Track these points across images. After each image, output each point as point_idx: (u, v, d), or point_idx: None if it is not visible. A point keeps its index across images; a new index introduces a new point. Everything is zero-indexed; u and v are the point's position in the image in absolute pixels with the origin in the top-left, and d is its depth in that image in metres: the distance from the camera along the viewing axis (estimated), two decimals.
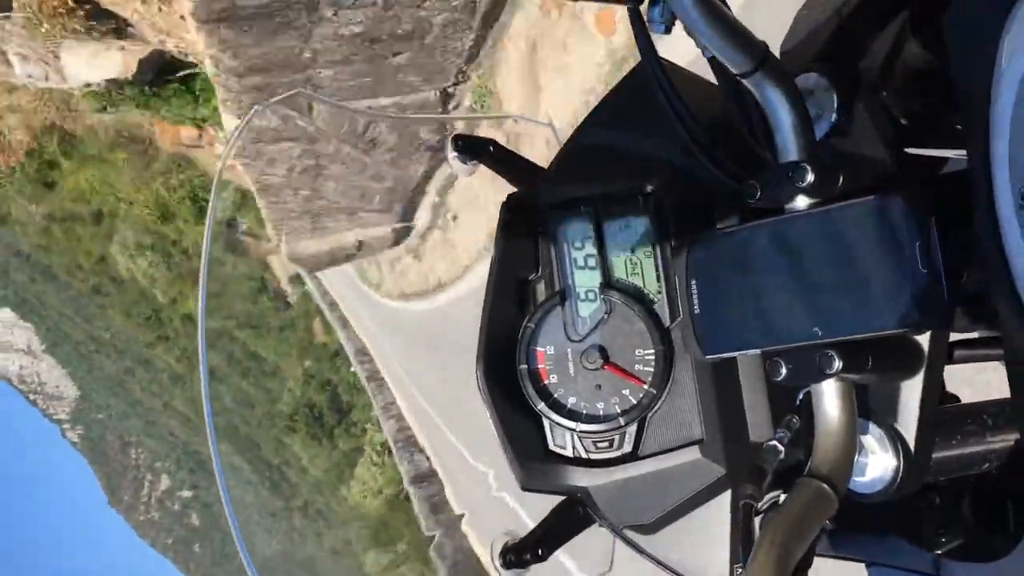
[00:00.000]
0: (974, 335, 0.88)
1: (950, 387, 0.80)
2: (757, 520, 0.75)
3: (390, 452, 20.73)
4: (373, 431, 23.22)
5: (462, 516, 16.66)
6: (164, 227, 24.55)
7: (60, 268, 34.91)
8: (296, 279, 25.15)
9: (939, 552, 0.77)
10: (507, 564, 0.81)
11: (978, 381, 1.11)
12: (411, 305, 14.12)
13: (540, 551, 0.82)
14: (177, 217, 23.55)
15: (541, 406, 0.85)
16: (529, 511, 8.29)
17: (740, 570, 0.75)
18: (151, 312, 33.42)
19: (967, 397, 0.85)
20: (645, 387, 0.82)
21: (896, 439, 0.71)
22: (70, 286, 37.54)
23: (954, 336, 0.85)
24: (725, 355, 0.75)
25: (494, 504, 11.58)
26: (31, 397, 70.89)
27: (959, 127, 0.69)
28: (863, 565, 0.82)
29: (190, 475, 60.39)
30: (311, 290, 23.31)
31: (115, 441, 68.23)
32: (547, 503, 0.87)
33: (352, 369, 22.61)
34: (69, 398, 69.15)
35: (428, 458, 18.61)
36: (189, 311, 29.14)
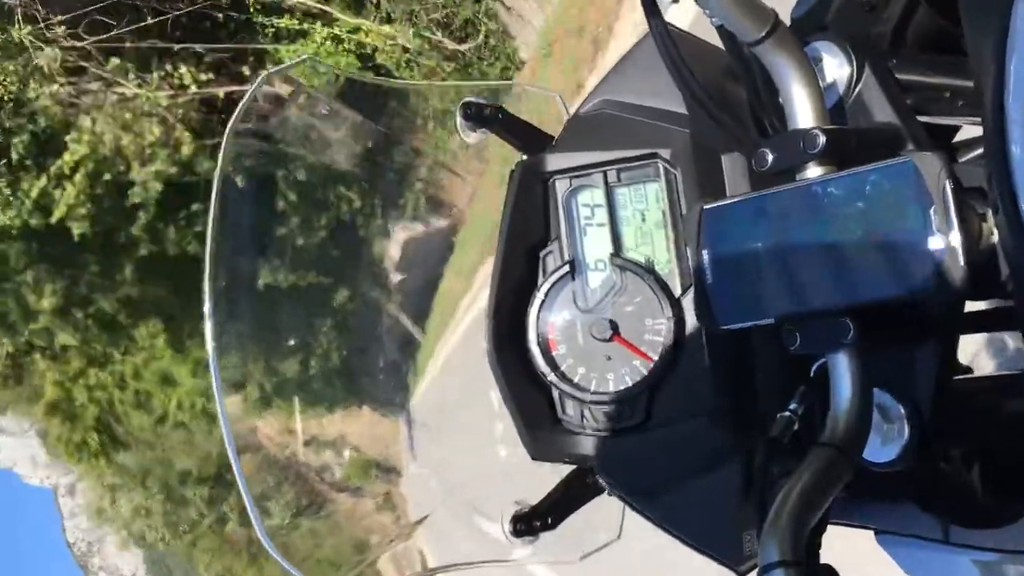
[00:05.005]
0: (988, 305, 0.88)
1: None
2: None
3: None
4: None
5: None
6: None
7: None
8: None
9: (949, 519, 0.76)
10: (517, 532, 0.83)
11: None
12: None
13: (550, 519, 0.84)
14: None
15: (551, 376, 0.87)
16: None
17: (751, 538, 0.76)
18: None
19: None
20: (655, 359, 0.83)
21: (910, 408, 0.71)
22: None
23: (968, 307, 0.85)
24: (739, 326, 0.74)
25: None
26: None
27: (971, 95, 0.68)
28: (872, 532, 0.81)
29: None
30: None
31: None
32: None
33: None
34: None
35: None
36: None
